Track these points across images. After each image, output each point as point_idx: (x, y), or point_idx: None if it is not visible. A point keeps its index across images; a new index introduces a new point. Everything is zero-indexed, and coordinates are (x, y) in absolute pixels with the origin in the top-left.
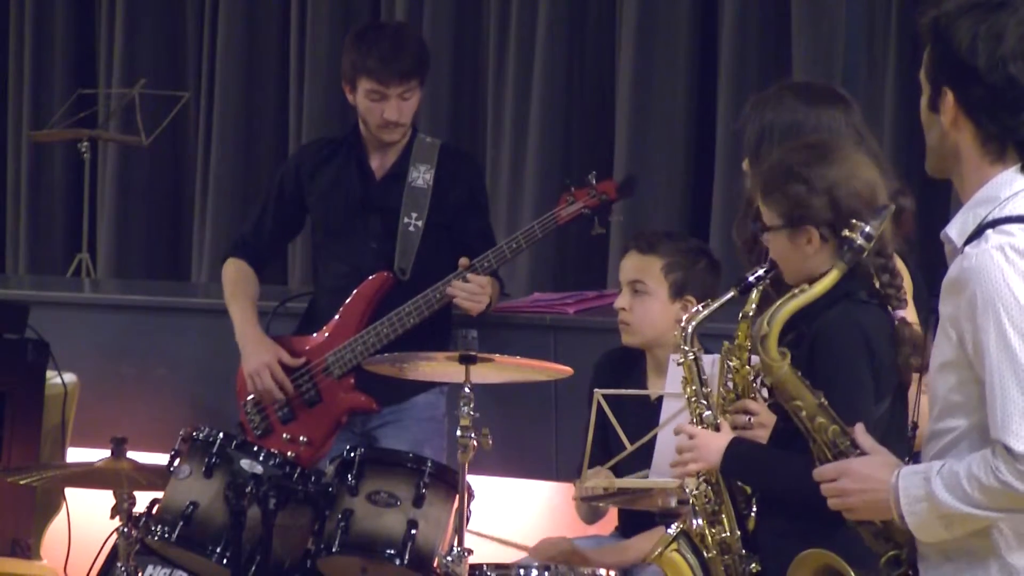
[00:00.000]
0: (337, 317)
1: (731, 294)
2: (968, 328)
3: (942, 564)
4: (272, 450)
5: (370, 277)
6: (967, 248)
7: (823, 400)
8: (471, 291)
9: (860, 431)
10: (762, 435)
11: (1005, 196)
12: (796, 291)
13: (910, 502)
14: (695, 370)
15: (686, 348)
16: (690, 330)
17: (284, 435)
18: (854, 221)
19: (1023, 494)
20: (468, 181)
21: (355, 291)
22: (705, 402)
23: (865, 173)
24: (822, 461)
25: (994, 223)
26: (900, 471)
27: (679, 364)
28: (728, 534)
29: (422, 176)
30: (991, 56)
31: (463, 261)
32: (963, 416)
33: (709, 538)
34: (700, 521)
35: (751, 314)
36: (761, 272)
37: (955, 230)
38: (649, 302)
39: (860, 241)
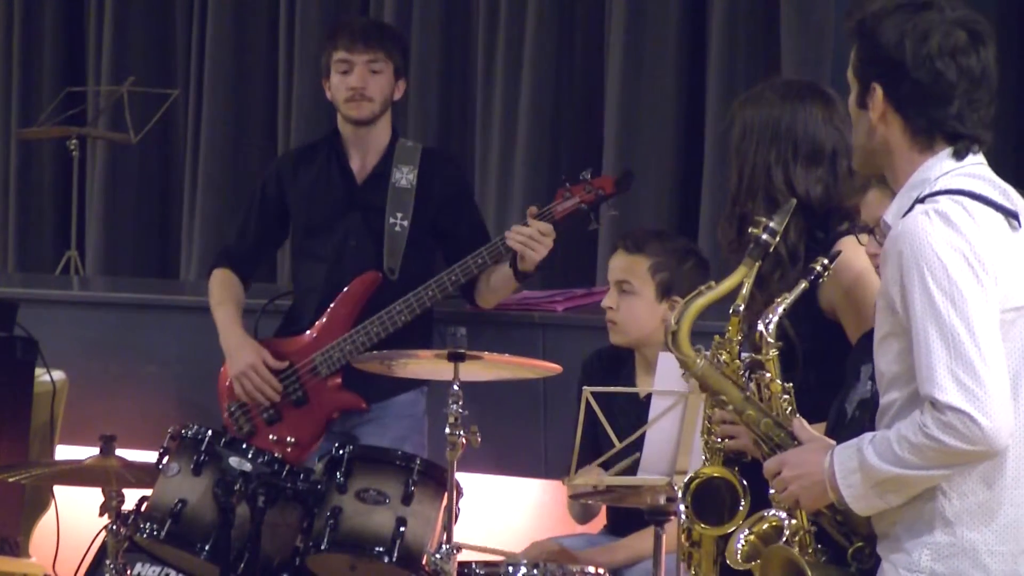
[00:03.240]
0: (324, 317)
1: (803, 286)
2: (897, 291)
3: (893, 530)
4: (261, 447)
5: (359, 277)
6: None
7: (750, 393)
8: (529, 235)
9: (799, 424)
10: (744, 429)
11: (936, 176)
12: (703, 288)
13: (845, 475)
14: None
15: (770, 341)
16: (771, 329)
17: (271, 436)
18: (757, 218)
19: (950, 447)
20: (451, 180)
21: (344, 291)
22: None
23: None
24: (764, 457)
25: (923, 199)
26: (834, 449)
27: (766, 359)
28: (803, 529)
29: (405, 177)
30: (918, 53)
31: (531, 209)
32: (902, 387)
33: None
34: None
35: (741, 308)
36: (827, 261)
37: (891, 215)
38: (635, 302)
39: (765, 237)
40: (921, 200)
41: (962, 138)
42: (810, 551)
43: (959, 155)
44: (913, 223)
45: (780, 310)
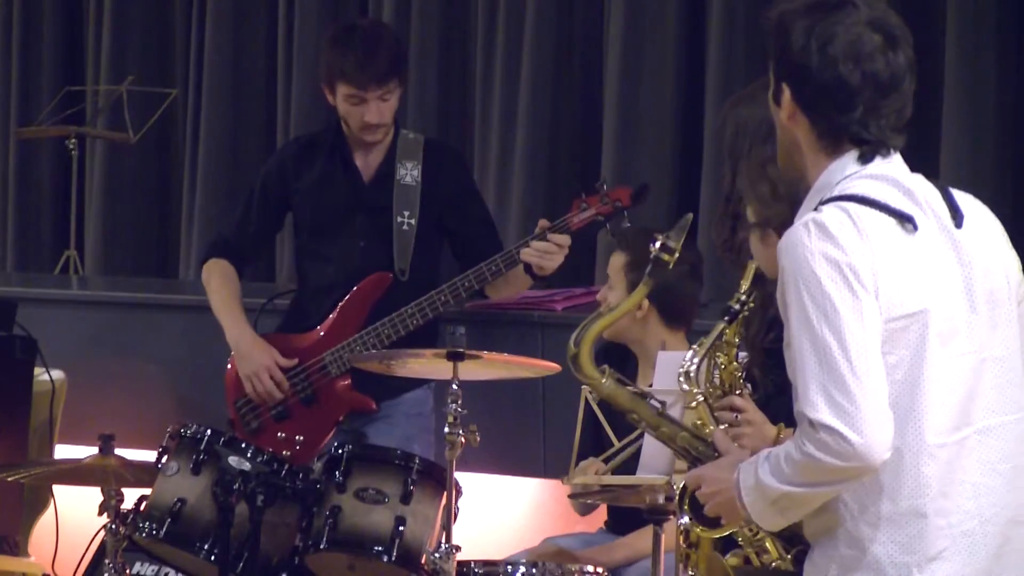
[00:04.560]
0: (334, 316)
1: (720, 327)
2: (782, 303)
3: (813, 544)
4: (260, 447)
5: (369, 277)
6: None
7: (663, 409)
8: (545, 249)
9: (719, 436)
10: (748, 431)
11: (837, 180)
12: (602, 309)
13: (747, 492)
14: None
15: (695, 391)
16: (692, 374)
17: (279, 434)
18: (656, 235)
19: (825, 464)
20: (455, 175)
21: (353, 290)
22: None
23: None
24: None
25: (817, 206)
26: (741, 465)
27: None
28: (778, 560)
29: (409, 173)
30: (822, 57)
31: (543, 223)
32: None
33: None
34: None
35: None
36: (744, 298)
37: (798, 218)
38: (612, 298)
39: (665, 256)
40: (816, 208)
41: (867, 143)
42: (788, 558)
43: (864, 159)
44: (793, 234)
45: (698, 358)
